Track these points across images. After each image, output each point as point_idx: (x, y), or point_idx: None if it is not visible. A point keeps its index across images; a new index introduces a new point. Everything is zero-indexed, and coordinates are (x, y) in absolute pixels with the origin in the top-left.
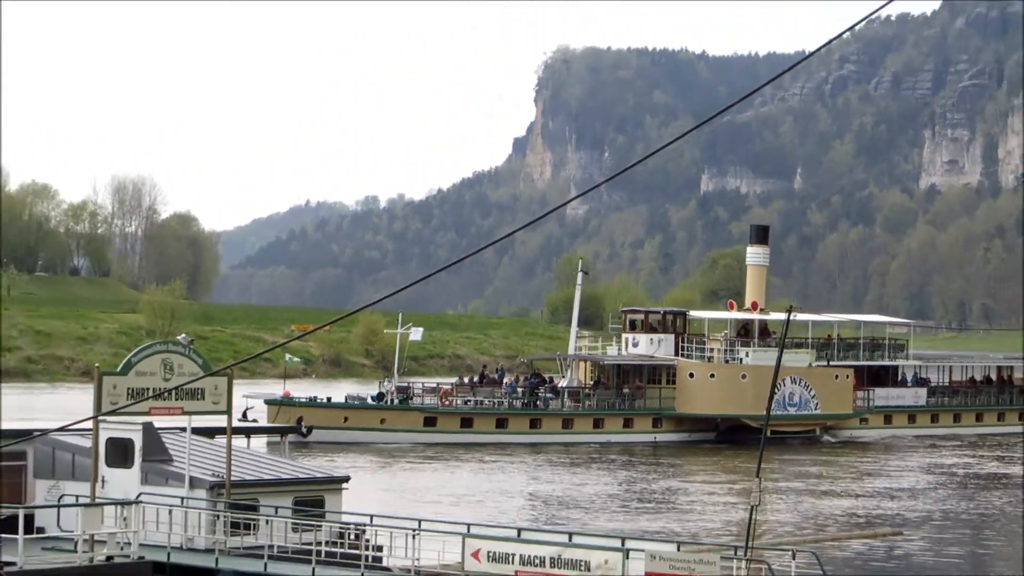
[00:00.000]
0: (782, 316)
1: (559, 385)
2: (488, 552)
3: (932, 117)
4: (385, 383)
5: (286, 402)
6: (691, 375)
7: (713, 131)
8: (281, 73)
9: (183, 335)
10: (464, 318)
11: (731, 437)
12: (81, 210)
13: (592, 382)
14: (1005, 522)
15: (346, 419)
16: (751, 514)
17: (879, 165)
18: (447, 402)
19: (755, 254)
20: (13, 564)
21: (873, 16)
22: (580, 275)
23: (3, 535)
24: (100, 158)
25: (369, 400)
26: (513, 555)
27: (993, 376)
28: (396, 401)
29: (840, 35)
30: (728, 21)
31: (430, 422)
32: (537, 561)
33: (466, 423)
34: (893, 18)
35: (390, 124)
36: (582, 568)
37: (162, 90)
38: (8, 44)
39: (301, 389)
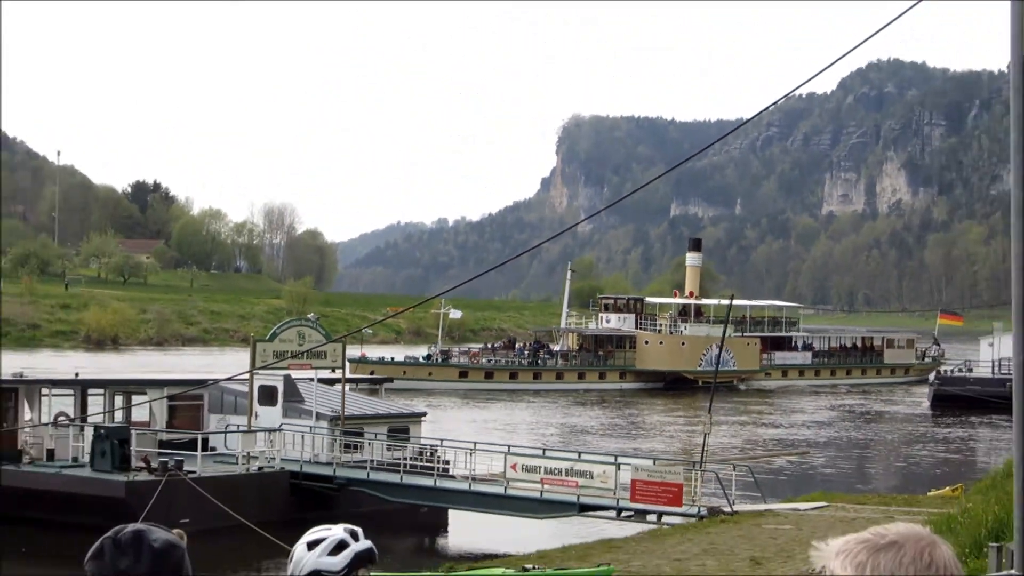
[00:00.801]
0: (711, 301)
1: (554, 349)
2: (523, 465)
3: (830, 164)
4: (432, 347)
5: (362, 360)
6: (646, 342)
7: (680, 174)
8: (390, 112)
9: (311, 314)
10: (506, 302)
11: (674, 386)
12: (242, 227)
13: (577, 347)
14: (880, 445)
15: (404, 372)
16: (704, 439)
17: (793, 197)
18: (475, 361)
19: (692, 258)
20: (193, 472)
21: (790, 94)
22: (569, 273)
23: (187, 452)
24: (252, 186)
25: (420, 359)
26: (540, 467)
27: (859, 344)
28: (439, 360)
29: (767, 108)
30: (690, 96)
31: (463, 375)
32: (557, 471)
33: (488, 375)
34: (804, 95)
35: (463, 163)
36: (587, 476)
37: (299, 132)
38: (179, 94)
39: (391, 351)
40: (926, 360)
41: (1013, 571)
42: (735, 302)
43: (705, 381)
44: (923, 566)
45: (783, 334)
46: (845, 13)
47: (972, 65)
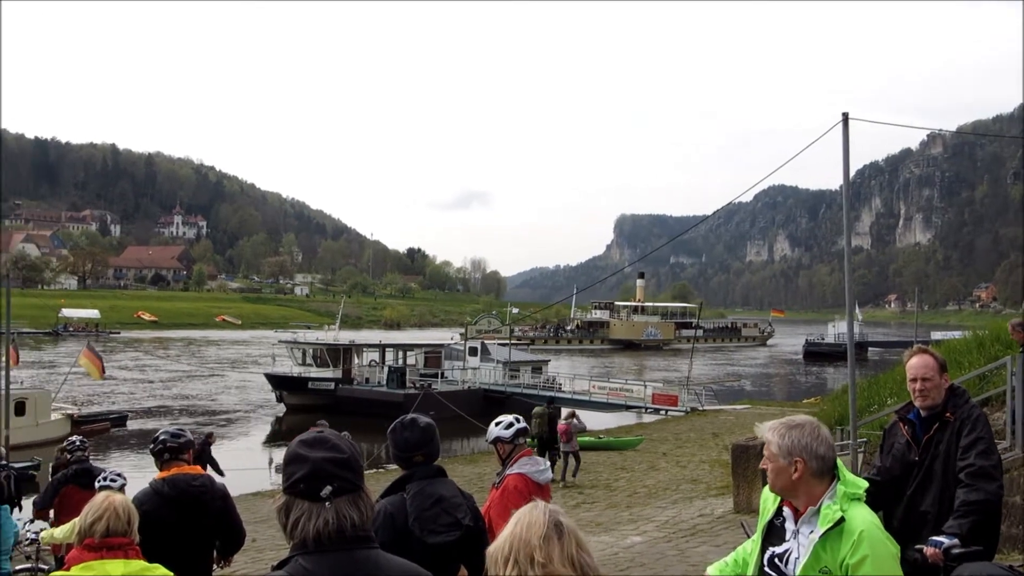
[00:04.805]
0: (650, 304)
1: (568, 327)
2: (598, 385)
3: (750, 236)
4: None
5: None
6: (614, 324)
7: (675, 243)
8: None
9: (493, 312)
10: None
11: (627, 348)
12: (460, 271)
13: (578, 326)
14: (777, 377)
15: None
16: (688, 373)
17: (731, 253)
18: (525, 334)
19: (640, 283)
20: (436, 388)
21: (729, 203)
22: (575, 291)
23: (433, 379)
24: (466, 245)
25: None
26: (606, 386)
27: (729, 325)
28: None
29: (716, 211)
30: (681, 202)
31: (519, 340)
32: (615, 388)
33: (531, 342)
34: (736, 203)
35: (572, 238)
36: (630, 392)
37: (494, 219)
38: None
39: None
40: (764, 334)
41: (849, 440)
42: (669, 304)
43: (647, 344)
44: (815, 436)
45: (686, 320)
46: (759, 154)
47: (822, 185)
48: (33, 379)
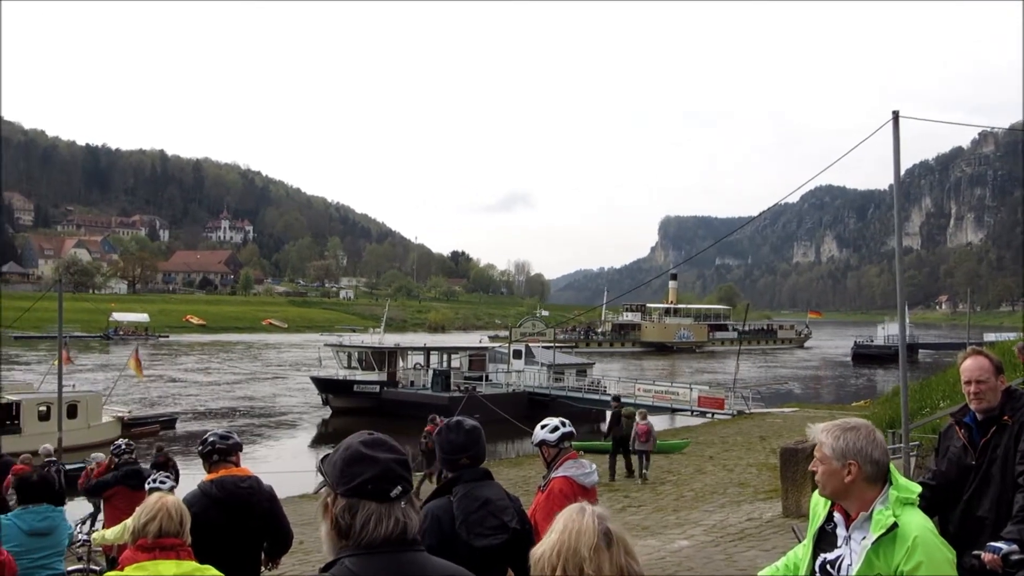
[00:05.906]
0: (681, 306)
1: (598, 330)
2: (643, 388)
3: (796, 237)
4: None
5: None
6: (645, 327)
7: (720, 244)
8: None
9: (536, 314)
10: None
11: (659, 351)
12: (504, 274)
13: (610, 329)
14: (825, 379)
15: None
16: (735, 373)
17: (777, 254)
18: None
19: (672, 284)
20: (481, 391)
21: (776, 204)
22: (606, 294)
23: (477, 382)
24: (509, 248)
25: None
26: (651, 389)
27: (765, 327)
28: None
29: (763, 212)
30: (726, 202)
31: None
32: (660, 392)
33: (567, 344)
34: (783, 203)
35: (616, 241)
36: (677, 394)
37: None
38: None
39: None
40: (801, 336)
41: (901, 444)
42: (702, 306)
43: (679, 346)
44: (870, 440)
45: (720, 322)
46: (806, 154)
47: (870, 185)
48: (86, 382)
